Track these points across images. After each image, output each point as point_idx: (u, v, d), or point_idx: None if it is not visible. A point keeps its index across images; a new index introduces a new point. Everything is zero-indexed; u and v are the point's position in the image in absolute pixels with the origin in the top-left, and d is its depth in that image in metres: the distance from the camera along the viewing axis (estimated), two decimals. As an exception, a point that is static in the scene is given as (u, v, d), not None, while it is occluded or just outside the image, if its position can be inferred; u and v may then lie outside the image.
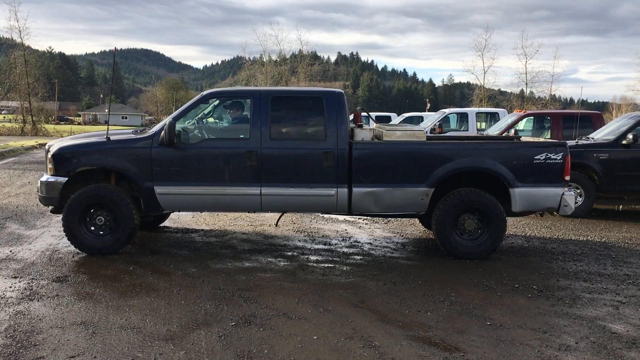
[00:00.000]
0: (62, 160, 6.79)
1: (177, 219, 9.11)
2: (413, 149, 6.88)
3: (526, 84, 56.47)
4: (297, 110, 7.10)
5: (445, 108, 20.43)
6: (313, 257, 6.91)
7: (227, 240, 7.74)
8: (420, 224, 8.88)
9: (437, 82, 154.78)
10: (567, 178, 6.85)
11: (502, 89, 59.98)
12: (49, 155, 6.87)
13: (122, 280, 5.81)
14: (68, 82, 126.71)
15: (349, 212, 6.90)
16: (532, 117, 14.92)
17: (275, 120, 6.81)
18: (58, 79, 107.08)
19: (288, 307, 5.07)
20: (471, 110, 18.55)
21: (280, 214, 7.63)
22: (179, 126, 6.76)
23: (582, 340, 4.45)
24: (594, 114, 14.49)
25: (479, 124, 18.43)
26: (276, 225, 8.63)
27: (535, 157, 6.76)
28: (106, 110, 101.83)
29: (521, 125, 14.75)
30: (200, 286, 5.64)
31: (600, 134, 11.00)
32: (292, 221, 9.15)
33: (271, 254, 7.03)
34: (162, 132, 6.61)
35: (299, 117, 7.12)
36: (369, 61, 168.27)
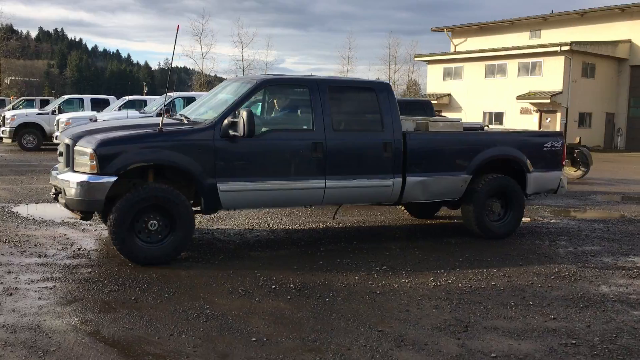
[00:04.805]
0: (109, 156, 5.64)
1: None
2: (458, 138, 7.43)
3: (243, 70, 58.60)
4: (353, 101, 7.04)
5: (171, 92, 19.39)
6: (24, 277, 5.42)
7: None
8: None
9: (154, 66, 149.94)
10: (564, 163, 8.01)
11: (219, 75, 61.24)
12: (89, 150, 5.60)
13: None
14: None
15: (398, 202, 7.21)
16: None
17: (335, 111, 6.65)
18: None
19: (-10, 358, 3.69)
20: (199, 95, 17.91)
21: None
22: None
23: (354, 344, 4.12)
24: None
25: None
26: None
27: (544, 145, 7.73)
28: None
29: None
30: None
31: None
32: (-9, 228, 7.25)
33: (-39, 277, 5.29)
34: (226, 121, 6.03)
35: (354, 108, 7.08)
36: (77, 39, 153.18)
